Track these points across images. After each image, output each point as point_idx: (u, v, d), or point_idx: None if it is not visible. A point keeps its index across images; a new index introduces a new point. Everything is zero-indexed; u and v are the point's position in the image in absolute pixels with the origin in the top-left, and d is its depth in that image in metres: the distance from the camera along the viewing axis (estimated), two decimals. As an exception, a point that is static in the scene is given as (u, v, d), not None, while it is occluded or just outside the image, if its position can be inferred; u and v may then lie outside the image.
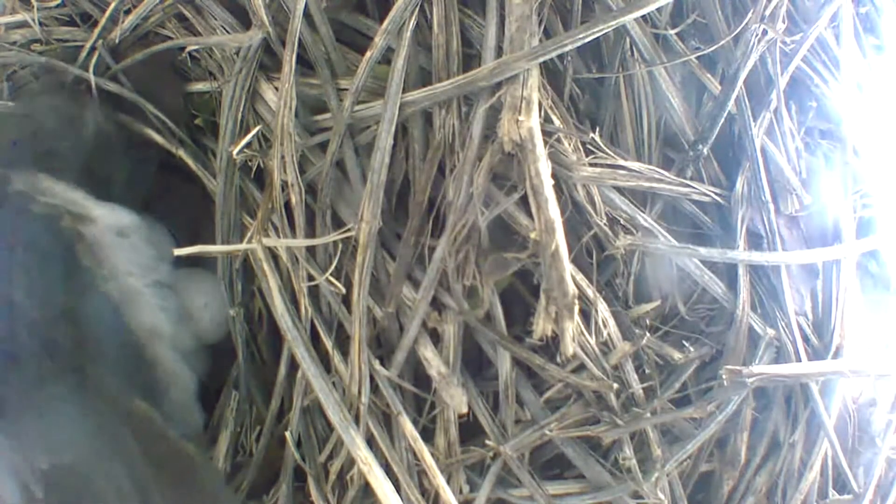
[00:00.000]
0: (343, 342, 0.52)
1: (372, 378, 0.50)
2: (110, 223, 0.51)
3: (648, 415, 0.49)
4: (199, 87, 0.57)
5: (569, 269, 0.43)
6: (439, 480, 0.48)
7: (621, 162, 0.49)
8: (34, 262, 0.48)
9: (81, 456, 0.44)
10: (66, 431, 0.44)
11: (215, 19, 0.55)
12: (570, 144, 0.48)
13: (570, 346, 0.43)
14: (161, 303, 0.52)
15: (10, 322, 0.46)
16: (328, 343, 0.52)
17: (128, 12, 0.58)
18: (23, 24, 0.61)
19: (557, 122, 0.48)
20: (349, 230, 0.50)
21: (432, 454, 0.49)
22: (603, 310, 0.49)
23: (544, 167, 0.43)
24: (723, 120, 0.51)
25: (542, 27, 0.48)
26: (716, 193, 0.51)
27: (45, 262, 0.48)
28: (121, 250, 0.51)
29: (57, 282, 0.48)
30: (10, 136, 0.55)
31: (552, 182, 0.44)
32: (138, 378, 0.49)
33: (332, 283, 0.51)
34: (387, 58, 0.49)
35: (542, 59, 0.45)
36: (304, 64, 0.51)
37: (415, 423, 0.50)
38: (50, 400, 0.45)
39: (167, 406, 0.50)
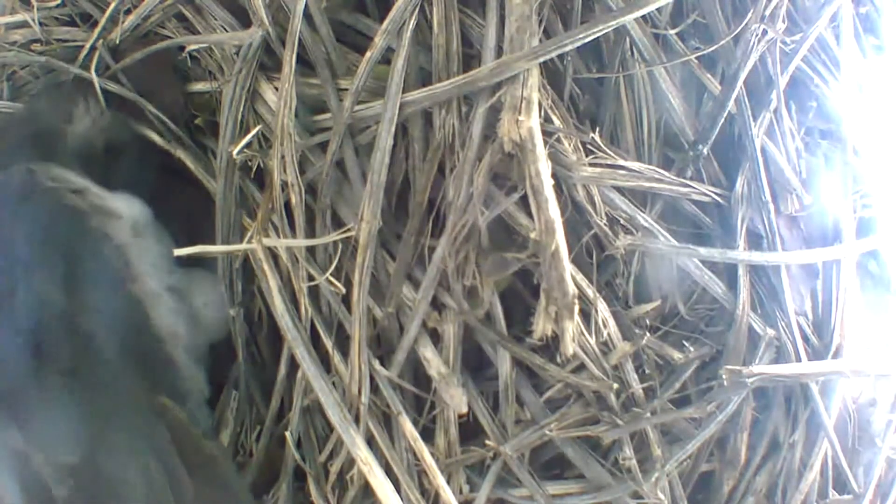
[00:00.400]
0: (343, 342, 0.52)
1: (372, 378, 0.50)
2: (131, 219, 0.52)
3: (648, 415, 0.49)
4: (199, 87, 0.57)
5: (569, 269, 0.43)
6: (439, 480, 0.48)
7: (621, 162, 0.49)
8: (65, 258, 0.48)
9: (113, 450, 0.44)
10: (98, 425, 0.44)
11: (215, 19, 0.55)
12: (570, 144, 0.48)
13: (570, 346, 0.43)
14: (176, 306, 0.52)
15: (41, 313, 0.46)
16: (328, 343, 0.52)
17: (128, 12, 0.58)
18: (23, 24, 0.61)
19: (557, 122, 0.48)
20: (349, 230, 0.50)
21: (432, 454, 0.49)
22: (603, 310, 0.49)
23: (544, 167, 0.43)
24: (723, 120, 0.50)
25: (542, 27, 0.48)
26: (716, 193, 0.51)
27: (76, 258, 0.48)
28: (138, 251, 0.51)
29: (87, 279, 0.48)
30: (14, 137, 0.55)
31: (552, 182, 0.44)
32: (164, 378, 0.49)
33: (332, 283, 0.51)
34: (387, 58, 0.49)
35: (542, 59, 0.45)
36: (304, 64, 0.51)
37: (415, 423, 0.50)
38: (79, 393, 0.45)
39: (188, 406, 0.50)
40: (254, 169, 0.54)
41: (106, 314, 0.48)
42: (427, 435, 0.50)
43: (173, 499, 0.44)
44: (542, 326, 0.43)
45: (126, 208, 0.52)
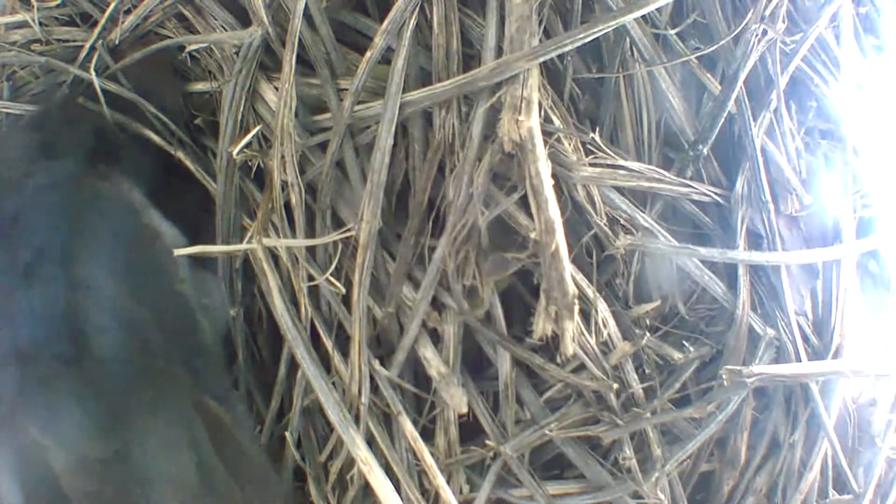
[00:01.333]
0: (343, 342, 0.52)
1: (372, 378, 0.50)
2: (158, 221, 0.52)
3: (648, 415, 0.49)
4: (199, 87, 0.57)
5: (569, 269, 0.43)
6: (439, 480, 0.48)
7: (621, 162, 0.49)
8: (118, 247, 0.48)
9: (148, 442, 0.43)
10: (135, 416, 0.44)
11: (215, 19, 0.55)
12: (570, 144, 0.48)
13: (570, 346, 0.43)
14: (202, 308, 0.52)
15: (84, 300, 0.45)
16: (328, 343, 0.52)
17: (128, 12, 0.58)
18: (23, 24, 0.61)
19: (557, 122, 0.48)
20: (349, 230, 0.50)
21: (432, 454, 0.49)
22: (603, 310, 0.49)
23: (544, 167, 0.43)
24: (723, 120, 0.51)
25: (542, 27, 0.48)
26: (716, 193, 0.51)
27: (130, 249, 0.48)
28: None
29: (140, 271, 0.48)
30: (34, 140, 0.55)
31: (552, 182, 0.44)
32: (210, 380, 0.49)
33: (332, 283, 0.51)
34: (387, 58, 0.49)
35: (542, 59, 0.45)
36: (304, 64, 0.51)
37: (415, 423, 0.50)
38: (117, 383, 0.44)
39: (237, 410, 0.50)
40: (254, 169, 0.54)
41: (157, 308, 0.47)
42: (427, 435, 0.50)
43: (207, 495, 0.43)
44: (542, 326, 0.43)
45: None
